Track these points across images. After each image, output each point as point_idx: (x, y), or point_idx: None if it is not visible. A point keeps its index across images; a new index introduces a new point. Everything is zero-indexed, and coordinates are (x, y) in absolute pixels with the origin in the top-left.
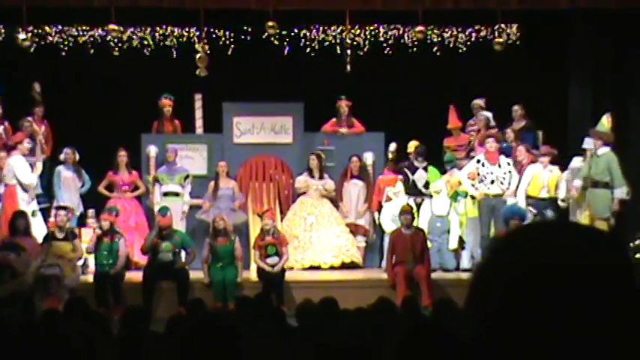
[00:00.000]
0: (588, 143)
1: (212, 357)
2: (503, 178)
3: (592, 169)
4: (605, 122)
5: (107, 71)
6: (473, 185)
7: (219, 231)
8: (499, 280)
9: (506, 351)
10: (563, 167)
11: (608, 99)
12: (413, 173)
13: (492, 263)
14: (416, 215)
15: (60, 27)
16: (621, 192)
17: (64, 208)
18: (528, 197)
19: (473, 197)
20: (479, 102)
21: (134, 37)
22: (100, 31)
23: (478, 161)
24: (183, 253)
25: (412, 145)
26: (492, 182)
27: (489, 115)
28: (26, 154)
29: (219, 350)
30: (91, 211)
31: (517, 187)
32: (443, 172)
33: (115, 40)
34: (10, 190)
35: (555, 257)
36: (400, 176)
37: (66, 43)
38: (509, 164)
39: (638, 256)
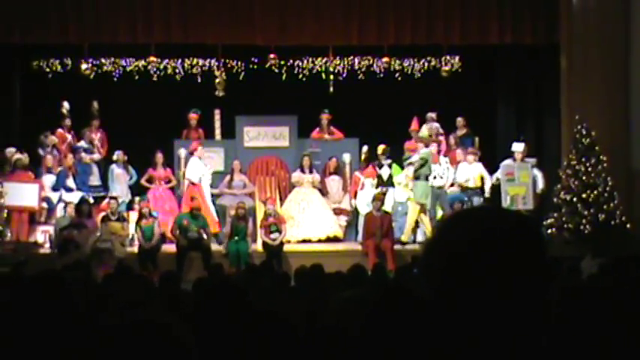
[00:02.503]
0: (516, 147)
1: (226, 307)
2: (443, 173)
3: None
4: (426, 130)
5: (148, 92)
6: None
7: (241, 216)
8: (445, 249)
9: (450, 301)
10: (493, 164)
11: (528, 114)
12: (380, 169)
13: (440, 237)
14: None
15: (112, 59)
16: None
17: (115, 198)
18: (460, 187)
19: None
20: (431, 115)
21: (169, 66)
22: (143, 61)
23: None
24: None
25: (380, 148)
26: (435, 177)
27: (438, 125)
28: (202, 158)
29: (232, 302)
30: (137, 199)
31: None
32: (403, 168)
33: (155, 69)
34: (194, 185)
35: (487, 231)
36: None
37: (117, 71)
38: (446, 162)
39: (549, 231)
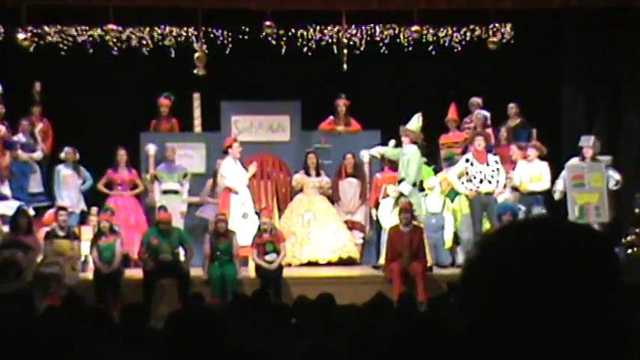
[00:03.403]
0: (584, 141)
1: (194, 346)
2: (492, 176)
3: (399, 166)
4: (416, 122)
5: (106, 71)
6: (463, 184)
7: (222, 232)
8: (489, 268)
9: (492, 332)
10: (557, 163)
11: (600, 99)
12: None
13: (484, 254)
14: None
15: (59, 27)
16: (406, 186)
17: (64, 208)
18: (517, 192)
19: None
20: (477, 100)
21: (133, 36)
22: (99, 30)
23: (467, 160)
24: (181, 250)
25: None
26: (481, 181)
27: (487, 114)
28: (237, 158)
29: (200, 339)
30: (94, 209)
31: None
32: (438, 169)
33: (114, 40)
34: (224, 193)
35: (542, 247)
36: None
37: (65, 42)
38: (496, 162)
39: (630, 251)
